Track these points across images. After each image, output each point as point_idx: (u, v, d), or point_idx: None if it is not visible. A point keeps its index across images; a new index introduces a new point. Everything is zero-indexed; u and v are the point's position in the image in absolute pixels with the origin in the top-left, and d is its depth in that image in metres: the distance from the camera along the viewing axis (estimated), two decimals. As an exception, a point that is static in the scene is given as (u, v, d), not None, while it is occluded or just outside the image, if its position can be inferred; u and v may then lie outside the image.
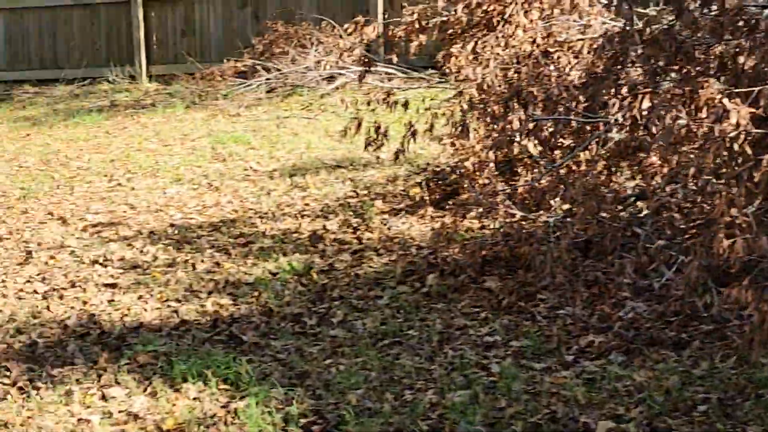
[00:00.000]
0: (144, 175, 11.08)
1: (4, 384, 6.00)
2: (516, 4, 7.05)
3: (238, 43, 16.50)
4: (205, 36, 17.11)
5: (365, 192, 9.66)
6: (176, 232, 8.83)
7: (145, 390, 5.77)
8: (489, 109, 6.82)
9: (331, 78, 15.29)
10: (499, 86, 6.95)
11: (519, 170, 8.30)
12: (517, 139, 6.99)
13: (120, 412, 5.55)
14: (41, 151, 12.84)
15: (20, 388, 5.90)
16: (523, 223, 7.03)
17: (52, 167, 11.88)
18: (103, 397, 5.73)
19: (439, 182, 8.93)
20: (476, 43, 7.57)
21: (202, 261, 7.99)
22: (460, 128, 7.22)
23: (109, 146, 12.85)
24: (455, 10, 7.60)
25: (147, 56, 17.16)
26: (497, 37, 7.17)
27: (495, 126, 6.97)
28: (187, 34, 17.16)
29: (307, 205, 9.45)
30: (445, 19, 8.14)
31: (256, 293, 7.18)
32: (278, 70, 15.43)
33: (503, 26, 7.25)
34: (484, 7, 7.46)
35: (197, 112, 14.75)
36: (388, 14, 15.83)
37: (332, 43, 15.74)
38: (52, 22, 17.75)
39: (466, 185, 7.84)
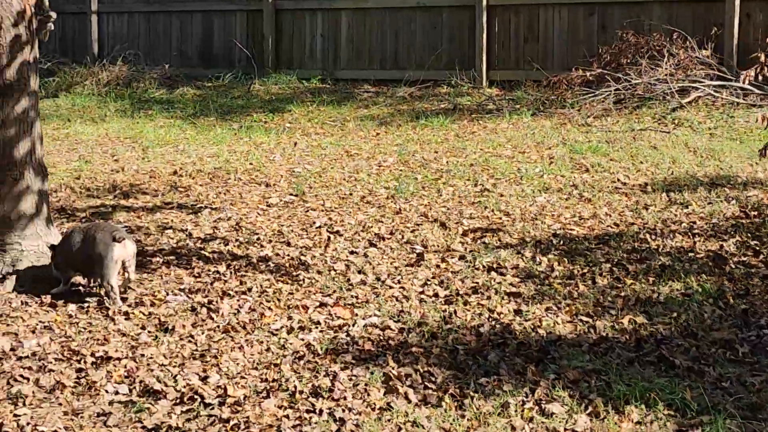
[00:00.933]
0: (508, 181, 10.89)
1: (433, 389, 5.83)
2: None
3: (581, 51, 16.23)
4: (548, 43, 16.87)
5: (755, 213, 9.12)
6: (561, 242, 8.55)
7: (585, 408, 5.49)
8: None
9: (682, 91, 14.74)
10: None
11: None
12: None
13: (566, 430, 5.28)
14: (396, 150, 12.85)
15: (452, 396, 5.71)
16: None
17: (411, 167, 11.84)
18: (542, 412, 5.48)
19: None
20: None
21: (601, 275, 7.70)
22: None
23: (463, 150, 12.74)
24: None
25: (487, 61, 17.07)
26: None
27: None
28: (529, 40, 16.96)
29: (693, 223, 9.02)
30: None
31: (672, 314, 6.81)
32: (627, 80, 14.99)
33: None
34: None
35: (544, 120, 14.53)
36: (743, 26, 15.16)
37: (684, 56, 15.18)
38: (394, 24, 17.87)
39: None
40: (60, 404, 5.87)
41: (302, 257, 8.35)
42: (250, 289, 7.60)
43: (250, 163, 12.36)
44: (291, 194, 10.72)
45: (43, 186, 8.05)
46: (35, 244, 7.99)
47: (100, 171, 11.90)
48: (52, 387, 6.06)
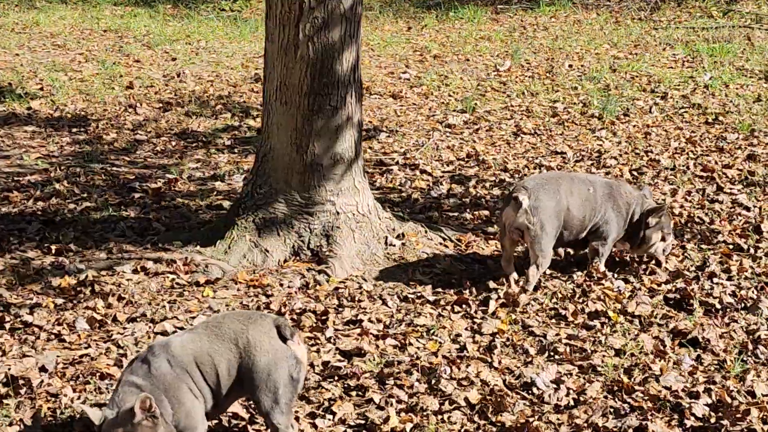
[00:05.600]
0: (698, 93, 8.89)
1: None
2: None
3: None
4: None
5: None
6: None
7: None
8: None
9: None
10: None
11: None
12: None
13: None
14: (486, 49, 10.61)
15: None
16: None
17: (537, 73, 9.71)
18: None
19: None
20: None
21: None
22: None
23: (569, 50, 10.57)
24: None
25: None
26: None
27: None
28: None
29: None
30: None
31: None
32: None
33: None
34: None
35: (588, 13, 12.58)
36: None
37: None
38: None
39: None
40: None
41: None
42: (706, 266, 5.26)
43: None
44: (457, 110, 8.31)
45: (361, 115, 5.40)
46: (352, 202, 5.40)
47: (157, 80, 9.04)
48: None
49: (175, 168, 6.77)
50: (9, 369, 4.23)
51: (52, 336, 4.54)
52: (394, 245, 5.45)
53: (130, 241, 5.56)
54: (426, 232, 5.62)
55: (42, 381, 4.11)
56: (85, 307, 4.77)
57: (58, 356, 4.36)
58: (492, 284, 5.07)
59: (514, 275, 5.08)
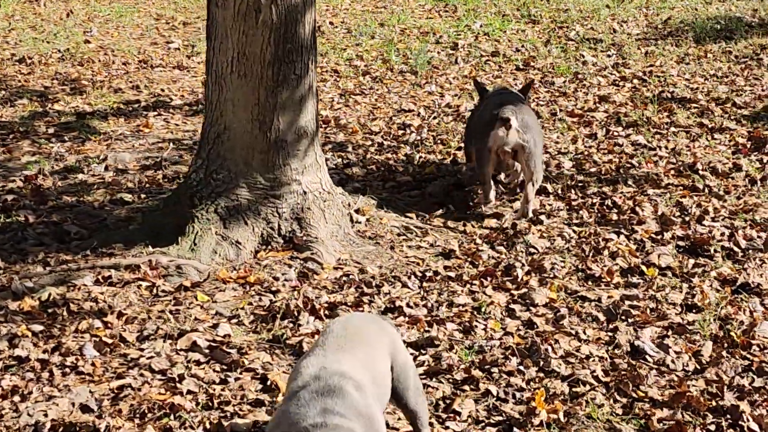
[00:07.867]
0: (487, 36, 8.90)
1: None
2: None
3: None
4: None
5: None
6: None
7: None
8: None
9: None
10: None
11: None
12: None
13: None
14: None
15: None
16: None
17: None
18: None
19: None
20: None
21: None
22: None
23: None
24: None
25: None
26: None
27: None
28: None
29: None
30: None
31: None
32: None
33: None
34: None
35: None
36: None
37: None
38: None
39: None
40: None
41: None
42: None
43: (87, 42, 9.02)
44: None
45: (317, 82, 5.00)
46: (316, 179, 4.97)
47: None
48: None
49: (8, 163, 5.94)
50: (46, 415, 3.49)
51: (67, 369, 3.79)
52: (360, 222, 5.02)
53: (57, 249, 4.78)
54: (379, 204, 5.20)
55: (108, 425, 3.40)
56: (76, 331, 4.03)
57: (91, 392, 3.63)
58: (502, 250, 4.79)
59: (493, 204, 5.16)
